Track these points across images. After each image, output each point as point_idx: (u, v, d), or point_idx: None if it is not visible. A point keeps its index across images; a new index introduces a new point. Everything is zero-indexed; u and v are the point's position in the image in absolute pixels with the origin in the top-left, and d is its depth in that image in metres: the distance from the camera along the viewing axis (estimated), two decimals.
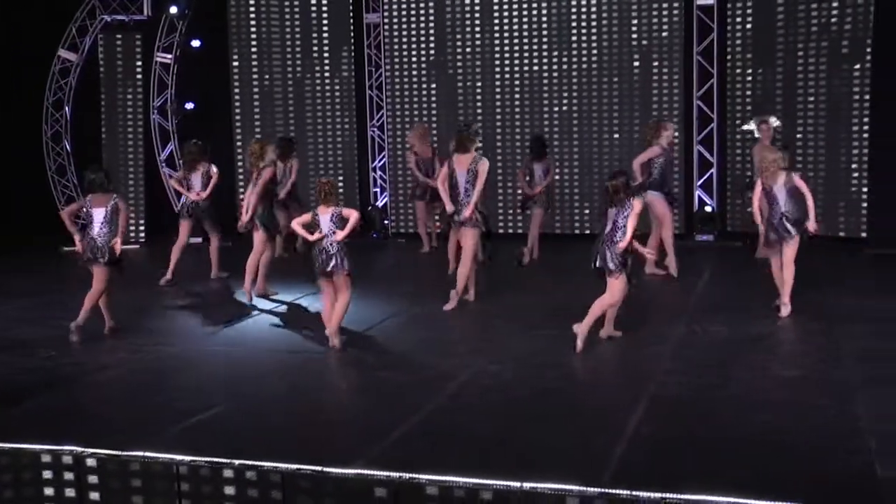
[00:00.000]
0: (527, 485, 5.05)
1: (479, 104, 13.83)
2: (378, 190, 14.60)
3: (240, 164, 14.37)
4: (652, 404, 6.32)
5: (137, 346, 8.28)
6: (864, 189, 12.01)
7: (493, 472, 5.17)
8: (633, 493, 4.90)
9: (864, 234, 12.04)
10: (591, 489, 4.98)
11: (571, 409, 6.39)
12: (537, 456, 5.51)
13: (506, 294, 9.91)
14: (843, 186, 12.23)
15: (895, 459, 5.22)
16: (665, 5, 12.92)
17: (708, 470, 5.20)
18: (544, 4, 13.38)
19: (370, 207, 14.33)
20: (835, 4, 12.08)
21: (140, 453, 5.72)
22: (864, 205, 12.00)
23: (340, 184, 14.23)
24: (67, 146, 14.44)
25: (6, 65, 13.91)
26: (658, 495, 4.85)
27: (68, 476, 5.81)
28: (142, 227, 14.30)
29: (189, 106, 14.58)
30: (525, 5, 13.45)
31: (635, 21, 13.09)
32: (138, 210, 14.23)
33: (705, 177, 13.22)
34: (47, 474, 5.84)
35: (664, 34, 13.01)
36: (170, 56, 14.38)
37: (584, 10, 13.24)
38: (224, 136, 14.35)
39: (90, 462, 5.78)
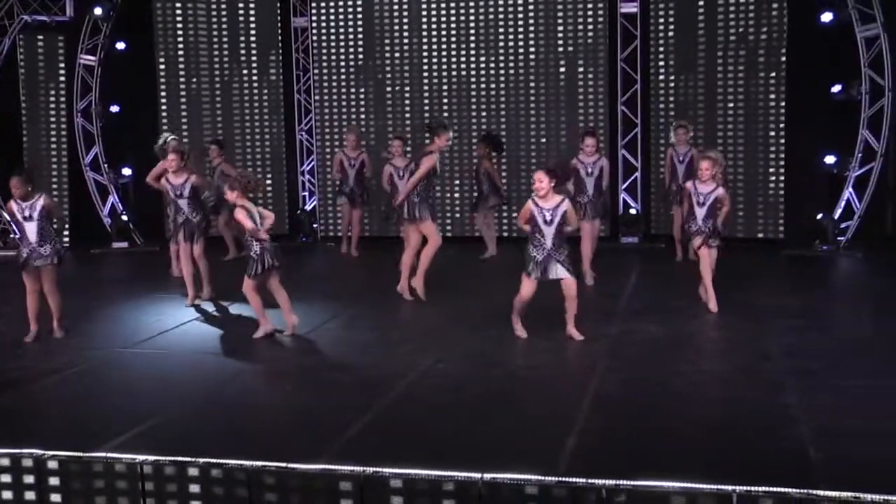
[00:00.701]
0: (487, 476, 5.36)
1: (407, 108, 14.11)
2: (307, 194, 14.77)
3: None
4: (596, 399, 6.69)
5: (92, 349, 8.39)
6: (781, 192, 12.64)
7: (451, 465, 5.45)
8: (590, 480, 5.25)
9: (781, 236, 12.69)
10: (549, 478, 5.32)
11: (520, 406, 6.72)
12: (493, 449, 5.81)
13: (445, 294, 10.21)
14: (762, 189, 12.86)
15: (825, 443, 5.67)
16: (590, 12, 13.38)
17: (655, 458, 5.57)
18: (472, 9, 13.72)
19: (299, 211, 14.50)
20: (751, 16, 12.69)
21: (102, 454, 5.87)
22: (781, 207, 12.64)
23: (269, 187, 14.44)
24: None
25: None
26: (612, 482, 5.21)
27: (28, 479, 5.93)
28: (66, 232, 14.19)
29: (114, 109, 14.53)
30: (453, 10, 13.77)
31: (561, 27, 13.52)
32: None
33: (630, 180, 13.72)
34: (5, 478, 5.95)
35: (589, 41, 13.46)
36: (93, 58, 14.33)
37: (510, 15, 13.62)
38: (149, 138, 14.32)
39: (51, 464, 5.90)
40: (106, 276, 12.75)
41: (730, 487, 5.06)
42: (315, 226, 14.47)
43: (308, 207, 14.62)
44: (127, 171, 14.52)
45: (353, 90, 14.26)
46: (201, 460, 5.71)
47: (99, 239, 14.28)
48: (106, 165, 14.44)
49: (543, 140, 13.70)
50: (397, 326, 9.21)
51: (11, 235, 14.29)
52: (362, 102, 14.26)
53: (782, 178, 12.62)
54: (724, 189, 9.12)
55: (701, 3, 12.93)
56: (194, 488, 5.69)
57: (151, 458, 5.78)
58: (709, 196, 8.97)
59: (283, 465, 5.61)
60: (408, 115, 14.09)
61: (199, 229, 10.12)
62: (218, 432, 6.34)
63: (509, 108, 13.82)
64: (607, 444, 5.90)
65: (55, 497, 5.88)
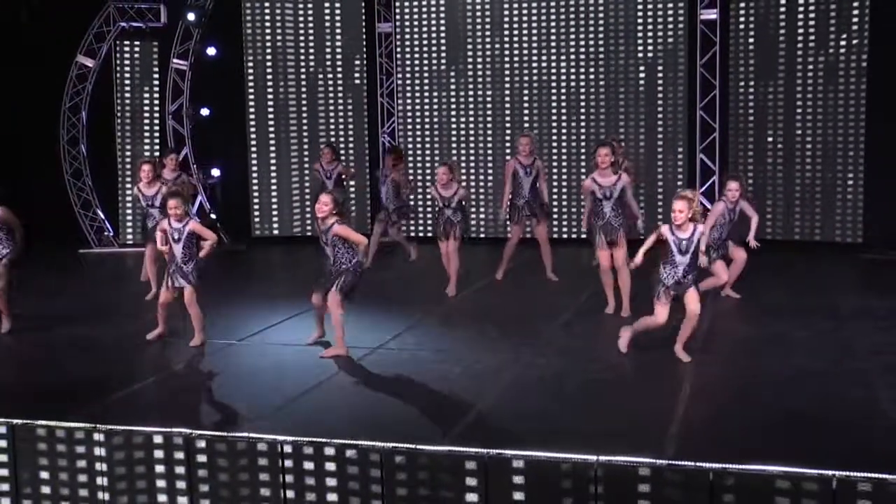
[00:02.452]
0: (602, 458, 5.97)
1: (489, 113, 14.74)
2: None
3: (254, 167, 15.20)
4: (693, 391, 7.26)
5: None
6: (861, 196, 13.06)
7: (565, 448, 6.07)
8: (698, 464, 5.83)
9: (860, 240, 13.12)
10: (661, 461, 5.91)
11: (621, 396, 7.33)
12: (602, 434, 6.40)
13: (530, 292, 10.81)
14: (840, 193, 13.28)
15: None
16: (670, 19, 13.91)
17: (755, 444, 6.13)
18: (553, 15, 14.32)
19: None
20: (832, 21, 13.12)
21: (245, 434, 6.57)
22: (861, 211, 13.07)
23: (352, 187, 15.17)
24: (83, 150, 15.15)
25: (25, 70, 14.57)
26: (719, 466, 5.78)
27: (178, 455, 6.65)
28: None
29: (204, 112, 15.33)
30: (534, 15, 14.38)
31: (641, 33, 14.06)
32: None
33: (708, 183, 14.21)
34: (158, 454, 6.68)
35: (669, 47, 13.98)
36: (185, 62, 15.14)
37: (591, 19, 14.20)
38: (238, 141, 15.19)
39: (199, 443, 6.61)
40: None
41: (830, 472, 5.61)
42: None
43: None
44: (215, 172, 15.31)
45: (434, 94, 14.92)
46: (336, 441, 6.38)
47: None
48: (195, 166, 15.22)
49: (622, 144, 14.19)
50: (492, 323, 9.79)
51: (106, 233, 15.20)
52: (444, 106, 14.91)
53: (861, 181, 13.02)
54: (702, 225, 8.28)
55: (782, 8, 13.36)
56: (330, 466, 6.37)
57: (290, 438, 6.47)
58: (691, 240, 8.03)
59: (413, 446, 6.26)
60: (489, 119, 14.72)
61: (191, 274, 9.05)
62: (344, 416, 7.01)
63: (589, 112, 14.38)
64: (709, 431, 6.48)
65: (202, 472, 6.61)
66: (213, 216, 15.15)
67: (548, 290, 11.25)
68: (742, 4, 13.65)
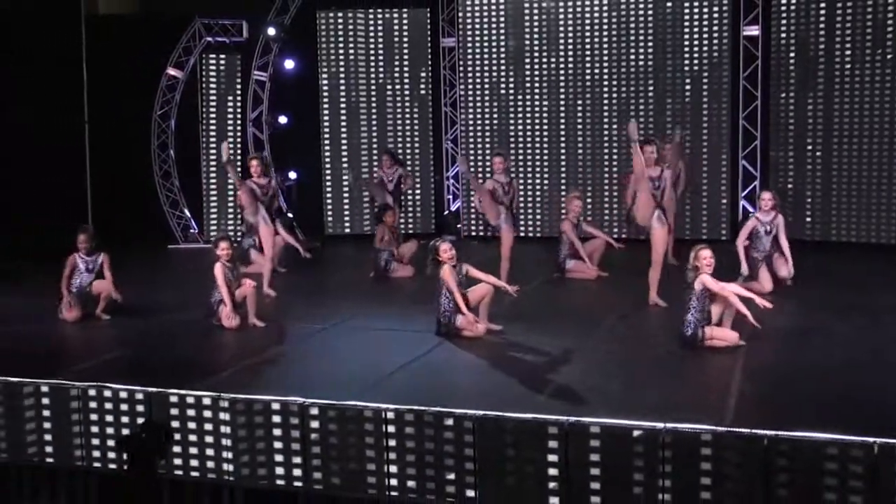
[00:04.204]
0: (668, 425, 6.60)
1: (544, 122, 15.36)
2: (451, 196, 16.13)
3: (327, 170, 15.95)
4: (745, 370, 7.88)
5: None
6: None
7: (634, 417, 6.71)
8: (754, 431, 6.44)
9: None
10: (720, 428, 6.53)
11: (681, 373, 7.98)
12: (665, 405, 7.03)
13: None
14: (875, 197, 13.70)
15: None
16: (715, 35, 14.47)
17: (804, 415, 6.72)
18: (605, 30, 14.92)
19: (446, 212, 15.89)
20: (868, 36, 13.61)
21: (353, 402, 7.26)
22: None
23: (417, 190, 15.87)
24: (172, 154, 15.96)
25: (120, 82, 15.40)
26: (773, 433, 6.39)
27: (294, 421, 7.35)
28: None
29: (282, 119, 16.09)
30: (587, 30, 14.99)
31: (687, 47, 14.63)
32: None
33: (749, 189, 14.75)
34: (276, 418, 7.38)
35: (714, 60, 14.54)
36: (265, 74, 15.89)
37: (641, 37, 14.80)
38: (313, 146, 15.96)
39: (312, 410, 7.31)
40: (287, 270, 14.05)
41: (872, 439, 6.20)
42: (459, 226, 15.81)
43: (453, 209, 15.99)
44: (292, 175, 16.05)
45: (494, 104, 15.57)
46: (433, 409, 7.06)
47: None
48: (273, 169, 15.92)
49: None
50: (554, 315, 10.41)
51: (192, 230, 16.00)
52: (502, 115, 15.56)
53: None
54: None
55: (822, 25, 13.88)
56: (428, 431, 7.04)
57: (393, 406, 7.15)
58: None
59: (501, 413, 6.92)
60: (545, 127, 15.35)
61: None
62: (437, 389, 7.69)
63: (637, 121, 14.86)
64: (763, 403, 7.12)
65: (314, 436, 7.30)
66: (289, 215, 15.90)
67: (602, 286, 11.84)
68: (783, 21, 14.18)
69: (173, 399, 7.56)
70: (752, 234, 10.99)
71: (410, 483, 7.09)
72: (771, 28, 14.30)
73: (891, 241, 13.69)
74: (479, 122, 15.68)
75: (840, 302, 10.26)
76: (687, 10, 14.54)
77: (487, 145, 15.63)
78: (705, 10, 14.45)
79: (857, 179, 13.89)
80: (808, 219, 14.23)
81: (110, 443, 7.78)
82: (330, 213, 16.09)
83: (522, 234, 15.37)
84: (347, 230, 16.03)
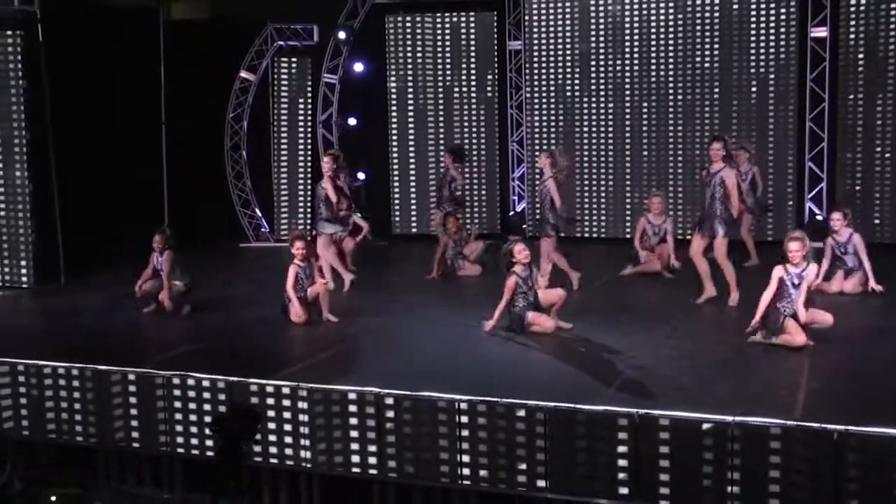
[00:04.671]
0: (738, 418, 6.67)
1: (609, 124, 15.42)
2: (516, 198, 16.27)
3: (395, 171, 16.18)
4: (812, 367, 7.91)
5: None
6: None
7: (704, 409, 6.80)
8: (824, 426, 6.49)
9: None
10: (790, 422, 6.59)
11: (749, 369, 8.03)
12: (737, 399, 7.10)
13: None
14: None
15: None
16: (782, 37, 14.41)
17: (875, 411, 6.75)
18: (671, 32, 14.93)
19: (511, 213, 16.02)
20: None
21: (427, 393, 7.44)
22: None
23: (484, 191, 16.05)
24: (244, 155, 16.33)
25: (195, 85, 15.77)
26: (842, 427, 6.44)
27: (370, 410, 7.56)
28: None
29: (351, 121, 16.37)
30: (653, 32, 15.02)
31: (753, 49, 14.59)
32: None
33: (815, 190, 14.67)
34: (352, 408, 7.60)
35: (781, 62, 14.49)
36: (335, 77, 16.19)
37: (707, 40, 14.79)
38: (381, 147, 16.22)
39: (388, 400, 7.51)
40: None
41: None
42: (524, 226, 15.92)
43: (518, 209, 16.12)
44: (361, 175, 16.32)
45: (560, 106, 15.67)
46: (506, 400, 7.21)
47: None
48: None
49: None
50: (622, 312, 10.50)
51: (263, 230, 16.35)
52: (568, 117, 15.65)
53: None
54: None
55: (892, 25, 13.76)
56: (501, 423, 7.19)
57: (466, 397, 7.32)
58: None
59: (573, 405, 7.05)
60: (610, 130, 15.42)
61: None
62: (509, 382, 7.82)
63: (703, 123, 14.96)
64: (832, 399, 7.15)
65: (389, 425, 7.49)
66: (358, 215, 16.15)
67: (667, 284, 11.89)
68: (852, 22, 14.09)
69: (253, 388, 7.83)
70: (833, 254, 11.07)
71: (482, 472, 7.25)
72: (839, 29, 14.21)
73: None
74: (544, 124, 15.79)
75: None
76: (754, 12, 14.50)
77: (553, 147, 15.70)
78: (772, 11, 14.40)
79: None
80: (877, 220, 14.10)
81: (193, 429, 8.08)
82: (398, 213, 16.32)
83: (587, 235, 15.56)
84: (414, 230, 16.23)
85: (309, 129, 16.32)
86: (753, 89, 14.73)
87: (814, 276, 8.78)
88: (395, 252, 15.43)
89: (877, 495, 6.34)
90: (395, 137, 16.22)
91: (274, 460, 7.86)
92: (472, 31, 16.00)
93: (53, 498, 7.59)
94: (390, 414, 7.49)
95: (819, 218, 14.53)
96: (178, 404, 8.13)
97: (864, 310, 10.15)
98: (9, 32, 12.09)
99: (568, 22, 15.46)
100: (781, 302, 8.53)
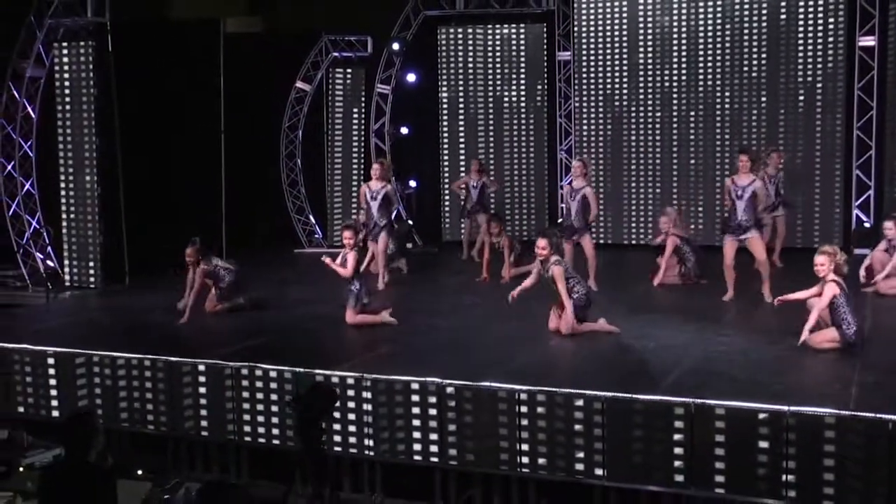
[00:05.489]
0: (793, 408, 6.79)
1: (658, 133, 15.56)
2: (564, 205, 16.38)
3: (446, 179, 16.43)
4: (863, 363, 7.98)
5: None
6: None
7: (760, 400, 6.93)
8: (878, 415, 6.60)
9: None
10: (844, 412, 6.70)
11: (803, 363, 8.14)
12: (789, 392, 7.21)
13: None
14: None
15: None
16: (830, 46, 14.48)
17: None
18: (719, 42, 15.06)
19: (560, 220, 16.16)
20: None
21: (487, 384, 7.63)
22: None
23: (533, 197, 16.25)
24: (299, 163, 16.67)
25: (252, 95, 16.15)
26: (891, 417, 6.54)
27: (431, 400, 7.76)
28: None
29: (404, 130, 16.66)
30: (700, 42, 15.16)
31: (801, 58, 14.67)
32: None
33: (863, 198, 14.70)
34: (415, 398, 7.81)
35: (829, 70, 14.56)
36: (388, 87, 16.51)
37: (755, 49, 14.90)
38: (432, 155, 16.50)
39: (449, 390, 7.71)
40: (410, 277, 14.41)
41: None
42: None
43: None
44: (412, 183, 16.59)
45: (609, 115, 15.84)
46: (564, 390, 7.39)
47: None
48: (394, 178, 16.50)
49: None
50: (672, 311, 10.62)
51: (316, 236, 16.66)
52: (616, 126, 15.81)
53: None
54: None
55: None
56: (560, 413, 7.37)
57: (525, 387, 7.51)
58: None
59: (630, 395, 7.21)
60: (658, 138, 15.55)
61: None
62: (567, 374, 8.01)
63: (751, 131, 15.05)
64: (885, 390, 7.23)
65: (450, 415, 7.70)
66: (409, 222, 16.44)
67: (712, 286, 11.96)
68: None
69: (319, 379, 8.05)
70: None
71: (541, 460, 7.42)
72: (888, 38, 14.25)
73: None
74: (592, 133, 15.97)
75: None
76: (801, 21, 14.60)
77: (601, 156, 15.90)
78: (820, 20, 14.49)
79: None
80: None
81: (260, 419, 8.33)
82: (447, 220, 16.56)
83: (634, 242, 15.70)
84: (463, 236, 16.43)
85: (362, 138, 16.62)
86: (801, 98, 14.81)
87: (826, 301, 8.41)
88: (443, 258, 15.66)
89: None
90: (446, 146, 16.48)
91: (337, 448, 8.07)
92: (523, 42, 16.24)
93: (140, 472, 7.87)
94: (452, 403, 7.68)
95: (867, 225, 14.56)
96: (245, 394, 8.39)
97: None
98: (82, 43, 12.52)
99: (616, 32, 15.64)
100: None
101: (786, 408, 6.81)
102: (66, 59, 12.67)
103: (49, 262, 13.51)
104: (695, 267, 12.15)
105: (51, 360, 9.11)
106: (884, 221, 11.63)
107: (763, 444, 6.83)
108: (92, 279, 12.78)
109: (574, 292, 9.31)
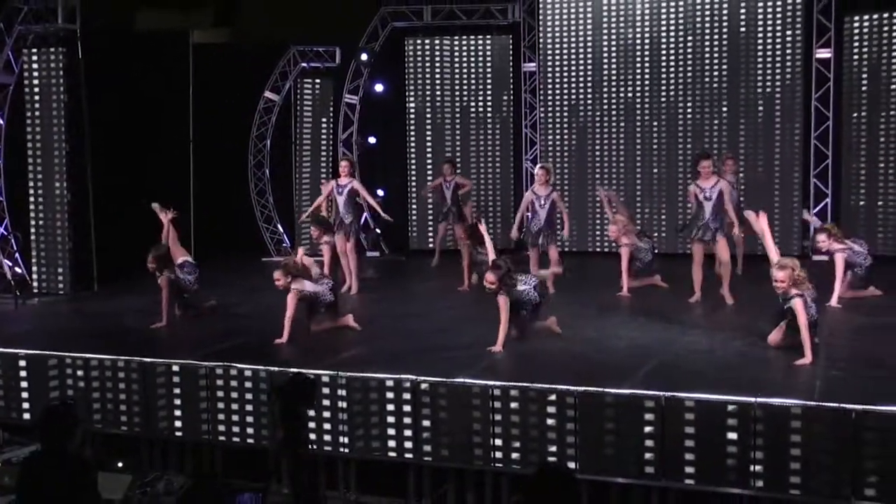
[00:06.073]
0: (760, 399, 6.93)
1: (621, 143, 15.76)
2: (531, 214, 16.52)
3: (413, 189, 16.51)
4: (828, 356, 8.17)
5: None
6: None
7: (728, 392, 7.07)
8: (841, 405, 6.75)
9: None
10: (810, 402, 6.84)
11: (768, 359, 8.31)
12: (758, 383, 7.35)
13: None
14: None
15: None
16: (788, 59, 14.79)
17: (886, 393, 7.02)
18: (681, 55, 15.30)
19: (523, 230, 16.28)
20: None
21: (461, 380, 7.70)
22: None
23: (499, 208, 16.38)
24: (267, 172, 16.67)
25: (221, 105, 16.11)
26: (860, 407, 6.69)
27: (406, 396, 7.81)
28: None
29: (371, 140, 16.72)
30: (663, 54, 15.40)
31: (760, 71, 14.96)
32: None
33: (820, 205, 14.97)
34: (389, 395, 7.85)
35: (787, 82, 14.86)
36: (355, 97, 16.57)
37: (716, 58, 15.16)
38: (400, 165, 16.59)
39: (424, 386, 7.77)
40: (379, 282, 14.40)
41: None
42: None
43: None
44: (380, 192, 16.62)
45: (573, 125, 16.03)
46: (537, 385, 7.47)
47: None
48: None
49: (742, 173, 14.99)
50: (637, 313, 10.76)
51: (284, 245, 16.64)
52: (580, 136, 15.99)
53: None
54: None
55: (894, 46, 14.14)
56: (533, 408, 7.45)
57: (499, 383, 7.58)
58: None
59: (601, 389, 7.32)
60: (622, 149, 15.76)
61: None
62: (540, 369, 8.08)
63: (712, 141, 15.29)
64: (849, 382, 7.41)
65: (425, 411, 7.75)
66: (377, 231, 16.48)
67: (677, 290, 12.13)
68: (855, 44, 14.47)
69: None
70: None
71: (514, 455, 7.50)
72: (844, 51, 14.58)
73: None
74: (557, 143, 16.14)
75: None
76: (760, 34, 14.89)
77: (566, 166, 16.06)
78: (778, 33, 14.80)
79: None
80: (881, 235, 14.39)
81: (234, 418, 8.33)
82: (414, 229, 16.64)
83: (598, 250, 15.87)
84: (430, 245, 16.51)
85: (330, 148, 16.66)
86: (760, 108, 15.09)
87: (804, 318, 8.18)
88: (412, 265, 15.71)
89: (894, 471, 6.58)
90: (413, 155, 16.57)
91: (312, 447, 8.06)
92: (489, 53, 16.40)
93: (120, 464, 7.83)
94: (426, 399, 7.74)
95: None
96: (220, 394, 8.38)
97: (867, 311, 10.41)
98: (52, 50, 12.46)
99: (581, 44, 15.85)
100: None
101: (753, 399, 6.94)
102: (35, 66, 12.60)
103: (17, 269, 13.37)
104: (652, 263, 12.35)
105: (22, 363, 9.06)
106: (816, 235, 11.31)
107: (732, 436, 6.96)
108: (61, 285, 12.67)
109: (526, 294, 9.24)
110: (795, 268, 8.35)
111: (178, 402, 8.53)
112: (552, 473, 4.25)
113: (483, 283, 9.15)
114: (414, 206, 16.60)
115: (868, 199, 14.52)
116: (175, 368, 8.56)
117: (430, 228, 16.52)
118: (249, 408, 8.29)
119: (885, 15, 14.24)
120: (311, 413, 7.60)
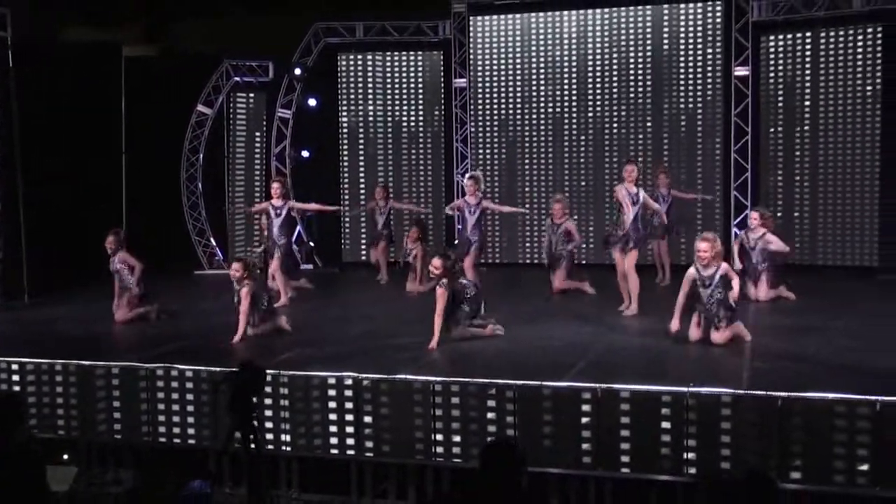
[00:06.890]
0: (692, 389, 7.15)
1: (550, 157, 16.05)
2: (461, 226, 16.71)
3: (346, 202, 16.57)
4: (754, 352, 8.47)
5: None
6: (877, 220, 14.18)
7: (661, 383, 7.28)
8: (769, 393, 7.01)
9: (876, 263, 14.26)
10: (739, 391, 7.08)
11: (696, 354, 8.57)
12: (689, 374, 7.58)
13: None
14: (858, 218, 14.38)
15: None
16: (709, 76, 15.26)
17: (813, 381, 7.28)
18: (608, 73, 15.69)
19: (456, 242, 16.45)
20: (849, 77, 14.44)
21: (402, 376, 7.78)
22: (877, 235, 14.20)
23: (431, 220, 16.51)
24: (200, 186, 16.56)
25: (153, 118, 15.99)
26: (786, 394, 6.95)
27: (348, 393, 7.86)
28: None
29: (304, 154, 16.74)
30: (590, 71, 15.76)
31: (683, 88, 15.41)
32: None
33: (740, 217, 15.43)
34: (332, 392, 7.89)
35: (708, 98, 15.33)
36: (288, 111, 16.58)
37: (640, 78, 15.57)
38: (333, 179, 16.63)
39: (365, 383, 7.83)
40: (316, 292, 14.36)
41: (874, 398, 6.78)
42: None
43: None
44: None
45: (503, 140, 16.28)
46: (477, 380, 7.59)
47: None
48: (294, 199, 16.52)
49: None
50: (565, 317, 10.95)
51: (217, 258, 16.53)
52: (510, 150, 16.24)
53: (877, 209, 14.17)
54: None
55: (808, 65, 14.70)
56: (473, 402, 7.56)
57: (440, 378, 7.68)
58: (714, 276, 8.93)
59: (539, 382, 7.46)
60: (550, 162, 16.05)
61: None
62: (480, 365, 8.21)
63: (637, 154, 15.61)
64: (774, 372, 7.71)
65: (367, 407, 7.80)
66: (311, 244, 16.48)
67: (606, 296, 12.39)
68: (771, 62, 15.01)
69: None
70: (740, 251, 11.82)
71: (455, 449, 7.59)
72: (760, 68, 15.10)
73: (873, 263, 14.33)
74: (488, 157, 16.37)
75: (830, 309, 10.86)
76: (682, 53, 15.35)
77: (497, 180, 16.28)
78: (699, 51, 15.27)
79: (842, 207, 14.58)
80: (797, 245, 14.87)
81: (175, 419, 8.27)
82: (347, 241, 16.69)
83: (528, 262, 16.11)
84: (363, 258, 16.57)
85: (264, 162, 16.64)
86: (683, 123, 15.53)
87: (729, 272, 8.87)
88: (344, 278, 15.75)
89: (819, 455, 6.84)
90: (345, 169, 16.64)
91: (253, 446, 8.04)
92: (420, 69, 16.58)
93: (66, 456, 7.70)
94: (368, 396, 7.80)
95: None
96: (160, 395, 8.32)
97: (787, 314, 10.78)
98: None
99: (511, 61, 16.12)
100: (696, 303, 8.97)
101: (686, 389, 7.16)
102: None
103: None
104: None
105: None
106: (751, 211, 11.94)
107: (665, 425, 7.16)
108: None
109: (467, 288, 9.47)
110: (716, 240, 8.90)
111: (117, 404, 8.43)
112: (756, 479, 4.44)
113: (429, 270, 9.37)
114: (347, 220, 16.65)
115: (784, 210, 14.99)
116: (115, 371, 8.48)
117: (364, 241, 16.57)
118: (191, 409, 8.23)
119: (798, 35, 14.81)
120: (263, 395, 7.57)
